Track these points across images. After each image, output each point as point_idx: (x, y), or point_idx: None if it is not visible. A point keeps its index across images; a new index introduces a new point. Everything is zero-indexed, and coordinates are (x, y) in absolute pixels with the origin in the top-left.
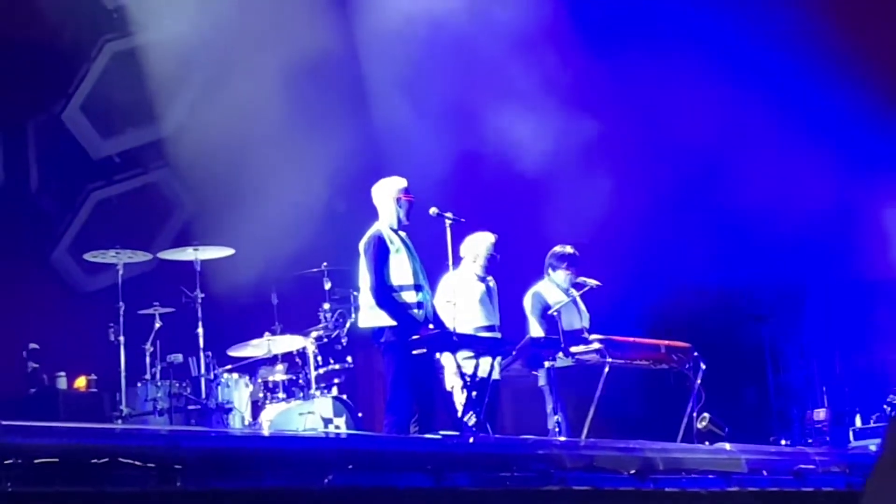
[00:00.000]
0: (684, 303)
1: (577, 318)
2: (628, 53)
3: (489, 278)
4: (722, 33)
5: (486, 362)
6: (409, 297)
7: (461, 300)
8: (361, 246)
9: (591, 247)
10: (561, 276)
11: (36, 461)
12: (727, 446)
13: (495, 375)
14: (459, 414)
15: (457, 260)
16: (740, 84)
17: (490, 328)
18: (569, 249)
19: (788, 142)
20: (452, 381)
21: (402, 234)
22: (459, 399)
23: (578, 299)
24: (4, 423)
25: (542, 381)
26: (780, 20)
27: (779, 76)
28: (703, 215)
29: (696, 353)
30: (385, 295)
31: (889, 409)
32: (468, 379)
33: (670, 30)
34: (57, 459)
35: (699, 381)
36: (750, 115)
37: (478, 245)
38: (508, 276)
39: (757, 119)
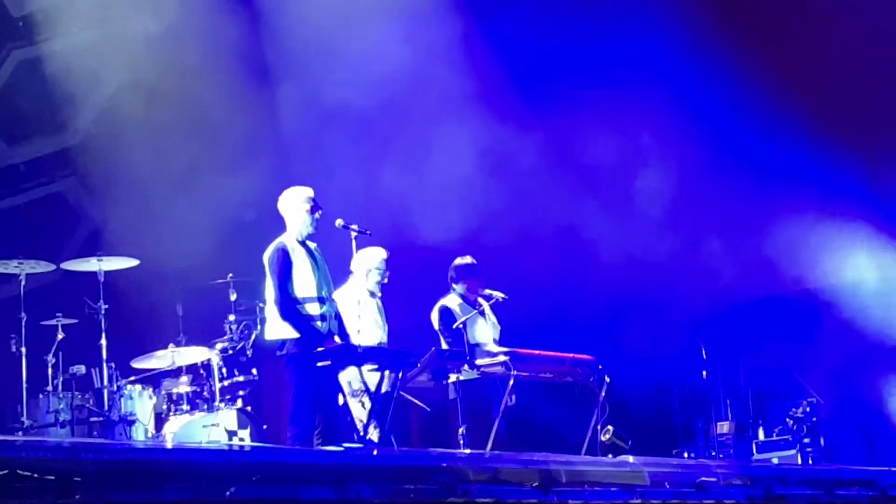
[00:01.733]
0: (592, 315)
1: (485, 331)
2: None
3: (378, 295)
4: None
5: (387, 375)
6: (313, 309)
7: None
8: (266, 258)
9: (498, 259)
10: (464, 287)
11: None
12: (630, 459)
13: (385, 388)
14: (362, 427)
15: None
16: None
17: (380, 345)
18: (468, 260)
19: (692, 150)
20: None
21: (312, 244)
22: (362, 412)
23: (488, 311)
24: None
25: (451, 394)
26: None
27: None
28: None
29: (600, 367)
30: (288, 307)
31: (791, 422)
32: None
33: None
34: None
35: (603, 394)
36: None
37: (369, 261)
38: (415, 290)
39: (658, 130)
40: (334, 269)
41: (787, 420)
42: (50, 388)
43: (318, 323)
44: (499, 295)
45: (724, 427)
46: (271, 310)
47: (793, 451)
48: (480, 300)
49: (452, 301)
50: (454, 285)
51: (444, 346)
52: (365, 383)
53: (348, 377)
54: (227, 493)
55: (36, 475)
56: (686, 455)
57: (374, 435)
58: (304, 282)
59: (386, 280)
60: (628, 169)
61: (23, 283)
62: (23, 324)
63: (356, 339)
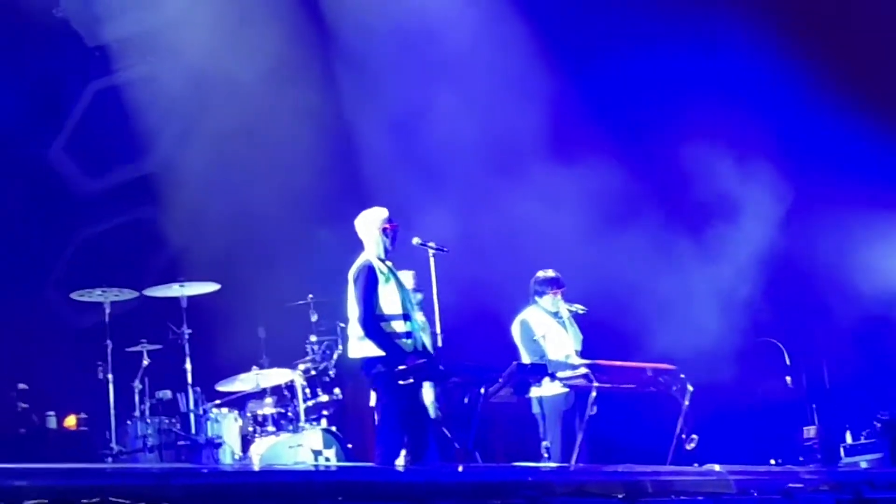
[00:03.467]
0: (673, 323)
1: (567, 343)
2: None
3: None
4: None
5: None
6: (398, 326)
7: None
8: (351, 275)
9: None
10: (548, 300)
11: (27, 503)
12: (716, 467)
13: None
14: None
15: (442, 289)
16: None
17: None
18: (551, 273)
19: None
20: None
21: (389, 263)
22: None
23: (568, 323)
24: None
25: (535, 408)
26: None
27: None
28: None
29: (682, 375)
30: (373, 325)
31: (879, 424)
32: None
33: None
34: (47, 501)
35: (687, 403)
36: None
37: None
38: (497, 304)
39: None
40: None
41: (875, 423)
42: (137, 413)
43: (404, 340)
44: (579, 308)
45: (810, 432)
46: (354, 328)
47: (880, 455)
48: (561, 313)
49: (532, 314)
50: (537, 298)
51: (525, 359)
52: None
53: (429, 395)
54: None
55: (128, 501)
56: (772, 462)
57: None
58: (390, 299)
59: (416, 299)
60: (718, 177)
61: (107, 310)
62: (108, 351)
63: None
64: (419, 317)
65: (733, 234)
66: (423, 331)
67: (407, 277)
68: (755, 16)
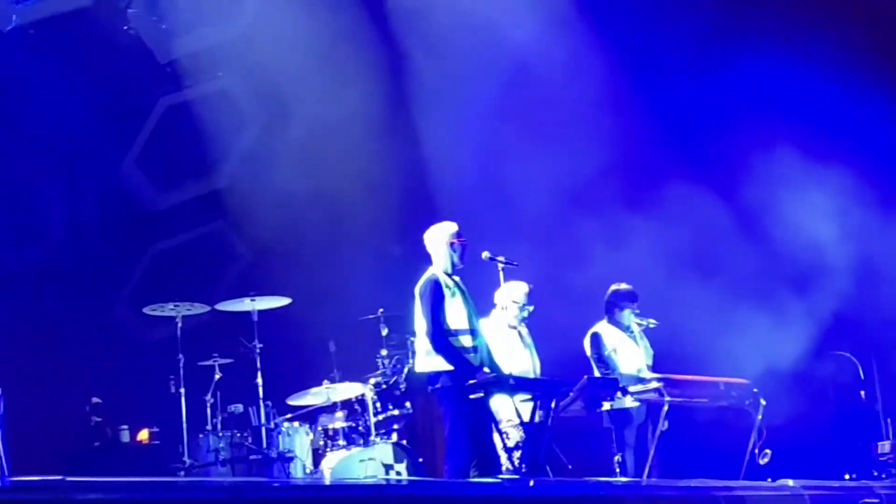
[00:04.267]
0: (746, 338)
1: (639, 357)
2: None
3: (521, 326)
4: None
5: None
6: (466, 341)
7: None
8: (417, 290)
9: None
10: (624, 315)
11: None
12: (790, 482)
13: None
14: (516, 456)
15: None
16: None
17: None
18: (625, 287)
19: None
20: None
21: (456, 278)
22: (515, 442)
23: (639, 337)
24: (69, 479)
25: (607, 422)
26: None
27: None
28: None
29: (755, 390)
30: (441, 339)
31: None
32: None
33: None
34: None
35: (760, 417)
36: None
37: (510, 294)
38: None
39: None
40: (480, 301)
41: None
42: (209, 427)
43: (471, 355)
44: (650, 322)
45: (885, 447)
46: (422, 342)
47: None
48: (633, 326)
49: (604, 328)
50: (617, 311)
51: (597, 373)
52: (518, 413)
53: (501, 408)
54: None
55: None
56: (847, 476)
57: (527, 465)
58: (457, 314)
59: (526, 314)
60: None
61: (179, 324)
62: (181, 365)
63: (507, 370)
64: (524, 332)
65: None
66: (528, 347)
67: (520, 290)
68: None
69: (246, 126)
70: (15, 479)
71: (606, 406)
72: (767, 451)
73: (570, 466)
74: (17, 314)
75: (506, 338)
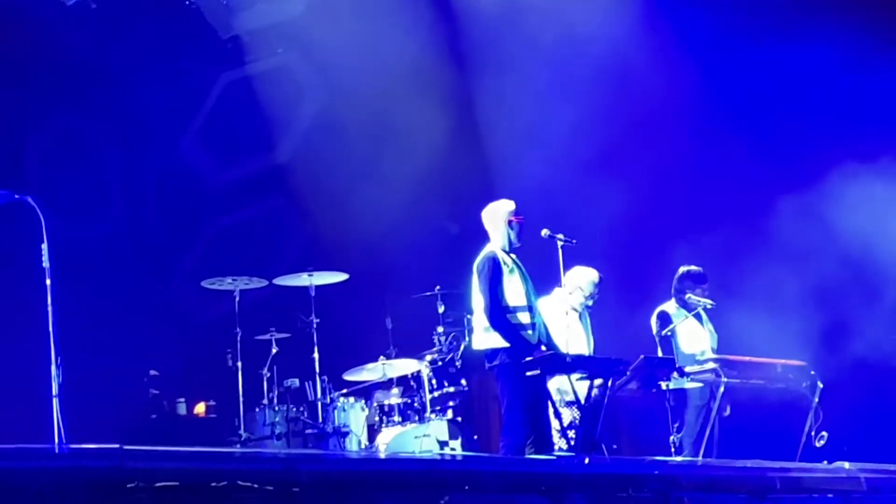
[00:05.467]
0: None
1: (702, 338)
2: None
3: (583, 312)
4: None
5: (598, 383)
6: (524, 318)
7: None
8: (476, 267)
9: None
10: (690, 296)
11: (157, 484)
12: (846, 465)
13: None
14: (571, 435)
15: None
16: None
17: None
18: (696, 269)
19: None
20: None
21: (514, 255)
22: (571, 421)
23: (705, 319)
24: (127, 447)
25: (667, 402)
26: None
27: None
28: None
29: (812, 372)
30: (499, 316)
31: None
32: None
33: None
34: (177, 483)
35: (816, 400)
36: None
37: (577, 280)
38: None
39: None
40: (540, 279)
41: None
42: (265, 401)
43: (529, 332)
44: (707, 302)
45: None
46: (479, 319)
47: None
48: (698, 308)
49: (671, 308)
50: (678, 293)
51: (660, 352)
52: (575, 392)
53: (557, 386)
54: (441, 501)
55: (256, 486)
56: None
57: (584, 444)
58: (515, 291)
59: (591, 302)
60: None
61: (237, 299)
62: (238, 339)
63: (564, 349)
64: (585, 315)
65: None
66: (586, 329)
67: (589, 278)
68: None
69: (306, 102)
70: (72, 446)
71: (664, 386)
72: (824, 433)
73: (614, 446)
74: (78, 287)
75: (565, 318)
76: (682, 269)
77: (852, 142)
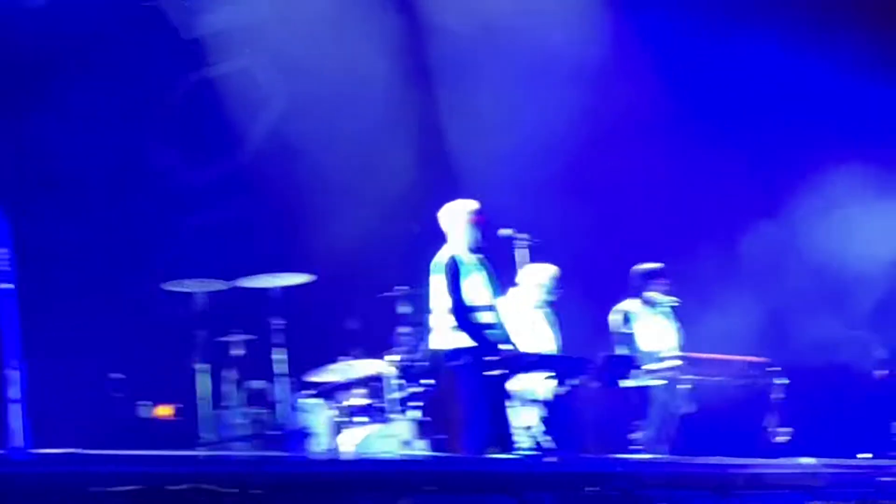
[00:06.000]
0: (767, 315)
1: (665, 336)
2: None
3: (544, 309)
4: None
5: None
6: (488, 317)
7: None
8: (438, 266)
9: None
10: (651, 293)
11: (119, 489)
12: (807, 460)
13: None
14: (536, 434)
15: None
16: None
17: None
18: (656, 265)
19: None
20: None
21: (477, 255)
22: (535, 420)
23: (667, 317)
24: (88, 451)
25: (629, 399)
26: None
27: None
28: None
29: (774, 368)
30: (463, 316)
31: None
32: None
33: None
34: (140, 487)
35: (777, 396)
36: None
37: (536, 276)
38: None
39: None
40: (500, 278)
41: None
42: (229, 403)
43: (493, 331)
44: (670, 299)
45: None
46: (442, 319)
47: None
48: (661, 306)
49: (632, 305)
50: (638, 290)
51: (620, 350)
52: (538, 391)
53: (522, 385)
54: (405, 502)
55: (219, 488)
56: (863, 456)
57: (547, 442)
58: (478, 290)
59: (553, 297)
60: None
61: (200, 301)
62: (202, 341)
63: (528, 348)
64: (548, 312)
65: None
66: (552, 327)
67: (546, 273)
68: None
69: (270, 104)
70: (35, 451)
71: (626, 384)
72: (786, 429)
73: (580, 445)
74: (40, 288)
75: (528, 317)
76: (641, 267)
77: (818, 147)
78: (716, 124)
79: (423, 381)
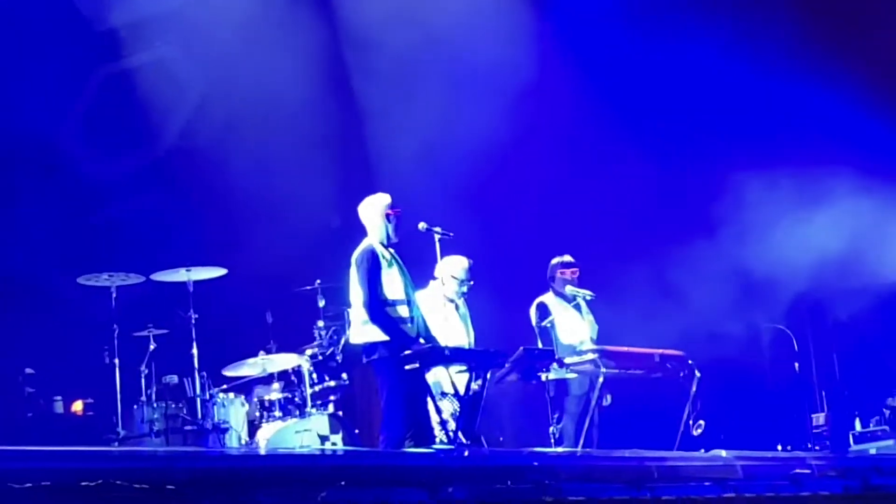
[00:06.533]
0: (683, 310)
1: (582, 329)
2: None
3: (460, 302)
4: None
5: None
6: (402, 311)
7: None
8: (354, 260)
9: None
10: (562, 284)
11: (30, 485)
12: (723, 453)
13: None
14: (452, 428)
15: None
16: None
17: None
18: (569, 259)
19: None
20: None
21: (391, 249)
22: (451, 413)
23: (585, 310)
24: (1, 447)
25: (546, 393)
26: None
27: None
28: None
29: (690, 362)
30: (378, 310)
31: (888, 412)
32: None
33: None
34: (50, 483)
35: (694, 389)
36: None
37: (449, 269)
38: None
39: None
40: (418, 272)
41: (884, 410)
42: (144, 398)
43: (408, 325)
44: (586, 293)
45: (819, 419)
46: (358, 313)
47: (891, 442)
48: (578, 299)
49: (549, 299)
50: (552, 283)
51: (540, 344)
52: (454, 385)
53: (436, 379)
54: (320, 497)
55: (131, 484)
56: (780, 448)
57: (462, 436)
58: (393, 285)
59: (466, 289)
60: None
61: (114, 295)
62: (115, 335)
63: (443, 342)
64: (461, 304)
65: (745, 218)
66: (464, 320)
67: (460, 265)
68: None
69: (185, 97)
70: None
71: (544, 377)
72: (701, 421)
73: (501, 438)
74: None
75: (442, 310)
76: (555, 260)
77: (739, 146)
78: (640, 126)
79: (339, 376)
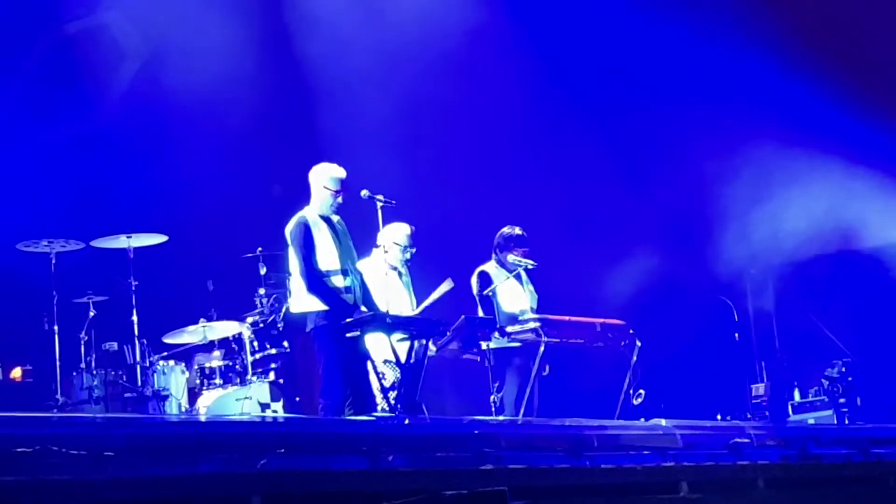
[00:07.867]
0: (625, 280)
1: (523, 298)
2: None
3: (403, 269)
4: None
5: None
6: (338, 281)
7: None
8: (287, 232)
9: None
10: (510, 257)
11: None
12: (662, 422)
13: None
14: (392, 395)
15: None
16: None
17: None
18: (517, 231)
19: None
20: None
21: (335, 217)
22: (391, 381)
23: (525, 279)
24: None
25: (486, 362)
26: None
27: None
28: (641, 192)
29: (631, 331)
30: (315, 280)
31: (827, 382)
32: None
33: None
34: None
35: (635, 358)
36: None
37: (391, 236)
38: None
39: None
40: (361, 240)
41: (823, 381)
42: (83, 365)
43: (345, 295)
44: (527, 262)
45: (759, 389)
46: (297, 283)
47: (829, 412)
48: (519, 269)
49: (491, 268)
50: (498, 252)
51: (481, 312)
52: (395, 352)
53: (377, 347)
54: (260, 464)
55: (69, 451)
56: (720, 417)
57: (402, 403)
58: (327, 254)
59: (409, 256)
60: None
61: (53, 261)
62: (54, 302)
63: (384, 310)
64: (404, 272)
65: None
66: (406, 287)
67: (402, 232)
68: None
69: (127, 63)
70: None
71: (485, 345)
72: (641, 391)
73: (438, 406)
74: None
75: (385, 278)
76: (504, 230)
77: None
78: (584, 91)
79: (280, 344)
